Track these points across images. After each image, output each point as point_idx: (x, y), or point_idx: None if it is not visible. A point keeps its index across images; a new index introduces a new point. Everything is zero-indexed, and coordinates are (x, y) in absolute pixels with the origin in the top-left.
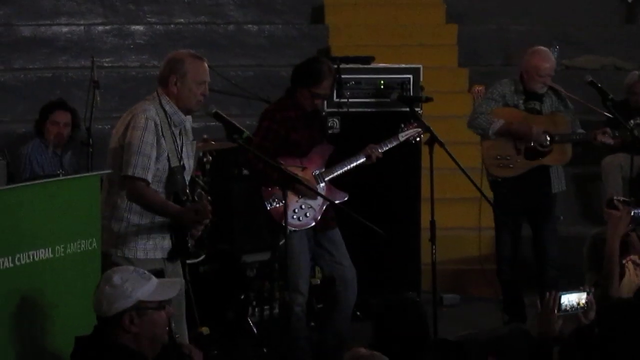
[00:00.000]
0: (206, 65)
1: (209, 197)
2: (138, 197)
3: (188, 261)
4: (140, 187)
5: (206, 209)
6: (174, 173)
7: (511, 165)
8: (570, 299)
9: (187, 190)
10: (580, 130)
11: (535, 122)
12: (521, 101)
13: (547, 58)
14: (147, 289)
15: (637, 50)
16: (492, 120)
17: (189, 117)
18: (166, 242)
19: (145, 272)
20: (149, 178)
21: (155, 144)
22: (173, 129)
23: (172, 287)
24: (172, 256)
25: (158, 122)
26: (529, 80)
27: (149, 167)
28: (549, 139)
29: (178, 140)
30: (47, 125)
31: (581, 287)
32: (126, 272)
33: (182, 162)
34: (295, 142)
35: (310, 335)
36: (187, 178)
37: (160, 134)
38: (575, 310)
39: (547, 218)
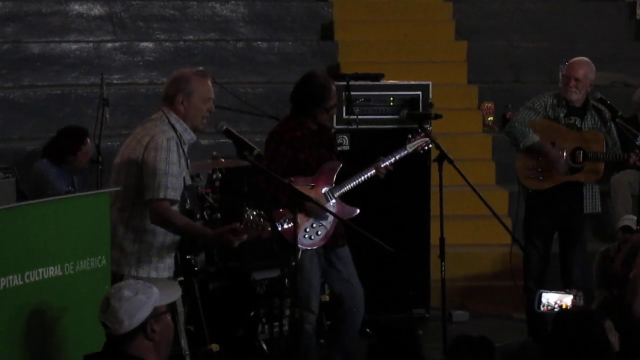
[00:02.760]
0: (210, 82)
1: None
2: (166, 219)
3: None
4: (168, 209)
5: (245, 230)
6: (190, 191)
7: (541, 178)
8: (550, 298)
9: (203, 210)
10: (615, 151)
11: (570, 137)
12: (562, 114)
13: (576, 64)
14: (156, 295)
15: None
16: (526, 133)
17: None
18: (172, 261)
19: (143, 282)
20: (179, 198)
21: (178, 163)
22: (183, 146)
23: (172, 289)
24: (177, 274)
25: (177, 142)
26: (563, 89)
27: (179, 188)
28: (571, 164)
29: (186, 159)
30: (78, 157)
31: (567, 290)
32: (131, 285)
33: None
34: (304, 161)
35: (320, 352)
36: None
37: (180, 153)
38: (555, 310)
39: (576, 238)
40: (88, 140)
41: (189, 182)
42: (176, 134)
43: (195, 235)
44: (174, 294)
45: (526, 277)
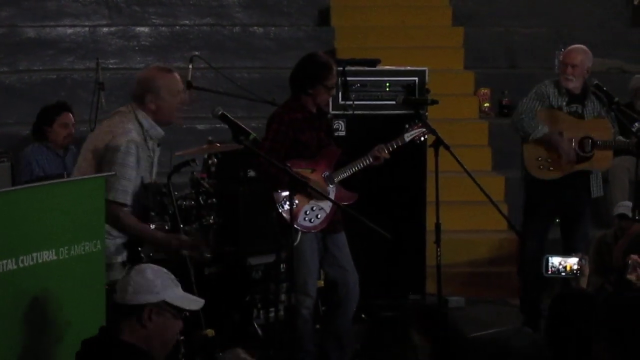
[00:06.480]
0: (177, 75)
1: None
2: (116, 221)
3: None
4: (118, 211)
5: (192, 244)
6: (147, 190)
7: (551, 168)
8: (558, 262)
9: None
10: (620, 137)
11: (577, 126)
12: (564, 103)
13: (573, 51)
14: (174, 293)
15: None
16: (535, 126)
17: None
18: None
19: (175, 278)
20: (129, 201)
21: (135, 166)
22: (148, 142)
23: (195, 301)
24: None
25: (138, 143)
26: (561, 77)
27: (129, 191)
28: (580, 153)
29: (152, 154)
30: (54, 128)
31: (573, 254)
32: (159, 271)
33: (152, 177)
34: (304, 143)
35: (316, 337)
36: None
37: (140, 154)
38: (561, 274)
39: (580, 224)
40: (70, 114)
41: (147, 180)
42: (142, 130)
43: (145, 239)
44: (193, 304)
45: (522, 263)
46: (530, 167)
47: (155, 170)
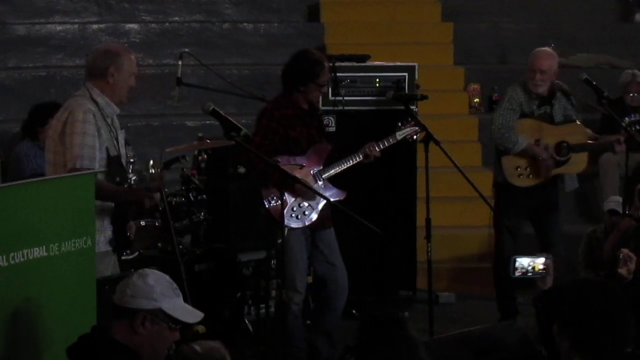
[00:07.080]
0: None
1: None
2: None
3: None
4: None
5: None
6: (114, 162)
7: (531, 176)
8: (524, 262)
9: (127, 179)
10: (593, 134)
11: (552, 132)
12: (535, 107)
13: (541, 56)
14: (172, 303)
15: (633, 49)
16: (516, 139)
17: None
18: (109, 233)
19: (177, 288)
20: (97, 167)
21: (96, 135)
22: (106, 119)
23: (193, 314)
24: (113, 247)
25: (96, 113)
26: (529, 82)
27: (95, 157)
28: (557, 158)
29: (113, 129)
30: (46, 129)
31: (538, 253)
32: (162, 279)
33: (119, 151)
34: (294, 139)
35: (306, 333)
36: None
37: (99, 124)
38: (529, 274)
39: (554, 217)
40: None
41: (114, 153)
42: (98, 107)
43: (112, 196)
44: (190, 317)
45: (498, 260)
46: (510, 177)
47: (124, 151)
